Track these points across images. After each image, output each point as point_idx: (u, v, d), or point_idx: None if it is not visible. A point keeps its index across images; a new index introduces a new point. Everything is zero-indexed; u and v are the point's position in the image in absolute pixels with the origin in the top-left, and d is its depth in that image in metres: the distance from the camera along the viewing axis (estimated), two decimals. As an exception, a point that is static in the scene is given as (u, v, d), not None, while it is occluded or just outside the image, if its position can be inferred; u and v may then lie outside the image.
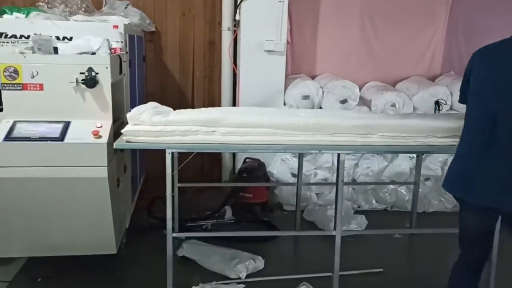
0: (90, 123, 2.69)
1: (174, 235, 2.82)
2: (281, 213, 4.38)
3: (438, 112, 4.37)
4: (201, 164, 5.06)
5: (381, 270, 3.30)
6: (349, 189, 4.47)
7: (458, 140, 2.78)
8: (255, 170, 4.19)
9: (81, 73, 2.65)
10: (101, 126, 2.69)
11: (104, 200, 2.71)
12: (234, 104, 4.63)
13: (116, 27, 3.19)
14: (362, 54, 4.84)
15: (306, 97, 4.35)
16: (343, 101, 4.36)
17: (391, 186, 4.50)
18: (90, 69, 2.66)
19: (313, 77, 4.74)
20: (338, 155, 2.81)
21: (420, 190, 4.12)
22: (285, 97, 4.44)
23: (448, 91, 4.50)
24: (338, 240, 2.86)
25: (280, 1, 4.22)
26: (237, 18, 4.37)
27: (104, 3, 4.38)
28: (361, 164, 4.48)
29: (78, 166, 2.64)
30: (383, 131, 2.77)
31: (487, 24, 4.92)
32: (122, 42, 3.17)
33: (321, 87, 4.44)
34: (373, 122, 2.82)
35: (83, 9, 3.91)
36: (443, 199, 4.55)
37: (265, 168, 4.33)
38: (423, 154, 3.98)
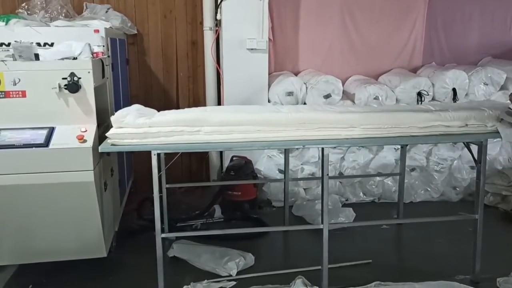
0: (75, 128, 2.69)
1: (163, 235, 2.84)
2: (270, 210, 4.42)
3: (421, 103, 4.42)
4: (189, 164, 5.08)
5: (370, 261, 3.35)
6: (336, 183, 4.52)
7: (438, 130, 2.88)
8: (242, 167, 4.21)
9: (63, 78, 2.65)
10: (85, 131, 2.69)
11: (92, 204, 2.72)
12: (219, 103, 4.65)
13: (97, 31, 3.20)
14: (344, 49, 4.88)
15: (290, 94, 4.38)
16: (327, 96, 4.40)
17: (378, 178, 4.56)
18: (72, 74, 2.66)
19: (296, 74, 4.77)
20: (322, 149, 2.85)
21: (406, 180, 4.20)
22: (269, 94, 4.46)
23: (430, 82, 4.55)
24: (325, 233, 2.90)
25: (260, -1, 4.25)
26: (218, 17, 4.39)
27: (84, 7, 4.37)
28: (347, 157, 4.53)
29: (64, 171, 2.64)
30: (365, 124, 2.82)
31: (465, 15, 5.01)
32: (103, 46, 3.18)
33: (305, 83, 4.47)
34: (354, 115, 2.87)
35: (63, 15, 3.91)
36: (429, 189, 4.63)
37: (252, 165, 4.35)
38: (407, 145, 4.04)
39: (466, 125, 2.89)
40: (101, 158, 2.86)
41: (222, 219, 4.11)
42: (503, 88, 4.58)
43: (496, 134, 2.88)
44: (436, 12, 4.94)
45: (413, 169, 4.59)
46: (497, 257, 3.36)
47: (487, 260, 3.12)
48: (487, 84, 4.56)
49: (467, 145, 3.20)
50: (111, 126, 2.69)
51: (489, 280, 3.05)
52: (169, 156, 3.25)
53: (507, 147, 4.64)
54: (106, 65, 3.22)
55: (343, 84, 4.58)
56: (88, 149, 2.64)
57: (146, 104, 3.08)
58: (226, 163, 4.46)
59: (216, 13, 4.43)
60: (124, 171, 4.02)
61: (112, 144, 2.65)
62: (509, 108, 2.91)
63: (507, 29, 5.08)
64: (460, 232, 3.63)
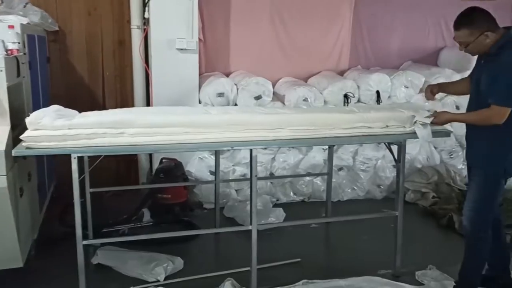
0: (-15, 130, 2.51)
1: (85, 242, 2.71)
2: (201, 212, 4.37)
3: (347, 105, 4.58)
4: (117, 167, 4.90)
5: (299, 260, 3.41)
6: (267, 183, 4.56)
7: (360, 131, 2.99)
8: (172, 170, 4.13)
9: (-28, 77, 2.47)
10: (-3, 133, 2.51)
11: (5, 211, 2.54)
12: (148, 103, 4.53)
13: (11, 27, 3.00)
14: (274, 51, 4.93)
15: (220, 95, 4.37)
16: (258, 97, 4.43)
17: (307, 178, 4.65)
18: (-18, 73, 2.48)
19: (227, 75, 4.76)
20: (251, 150, 2.86)
21: (334, 180, 4.32)
22: (200, 95, 4.42)
23: (355, 84, 4.72)
24: (254, 234, 2.91)
25: (189, -1, 4.19)
26: (146, 16, 4.27)
27: (0, 2, 4.08)
28: (278, 158, 4.58)
29: (-26, 177, 2.45)
30: (292, 125, 2.86)
31: (388, 21, 5.25)
32: (19, 42, 2.98)
33: (235, 84, 4.47)
34: (282, 117, 2.91)
35: (-25, 8, 3.63)
36: (355, 188, 4.80)
37: (183, 167, 4.28)
38: (334, 146, 4.16)
39: (387, 126, 3.02)
40: (16, 162, 2.68)
41: (152, 223, 4.00)
42: (421, 91, 4.84)
43: (414, 135, 3.03)
44: (361, 18, 5.13)
45: (340, 169, 4.73)
46: (416, 252, 3.55)
47: (407, 254, 3.29)
48: (407, 87, 4.80)
49: (388, 145, 3.34)
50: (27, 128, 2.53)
51: (409, 274, 3.20)
52: (94, 159, 3.12)
53: (426, 147, 4.92)
54: (22, 63, 3.04)
55: (273, 86, 4.63)
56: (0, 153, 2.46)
57: (70, 104, 2.92)
58: (156, 165, 4.35)
59: (144, 11, 4.31)
60: (45, 175, 3.81)
61: (27, 148, 2.49)
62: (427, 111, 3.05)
63: (426, 36, 5.40)
64: (383, 228, 3.77)
